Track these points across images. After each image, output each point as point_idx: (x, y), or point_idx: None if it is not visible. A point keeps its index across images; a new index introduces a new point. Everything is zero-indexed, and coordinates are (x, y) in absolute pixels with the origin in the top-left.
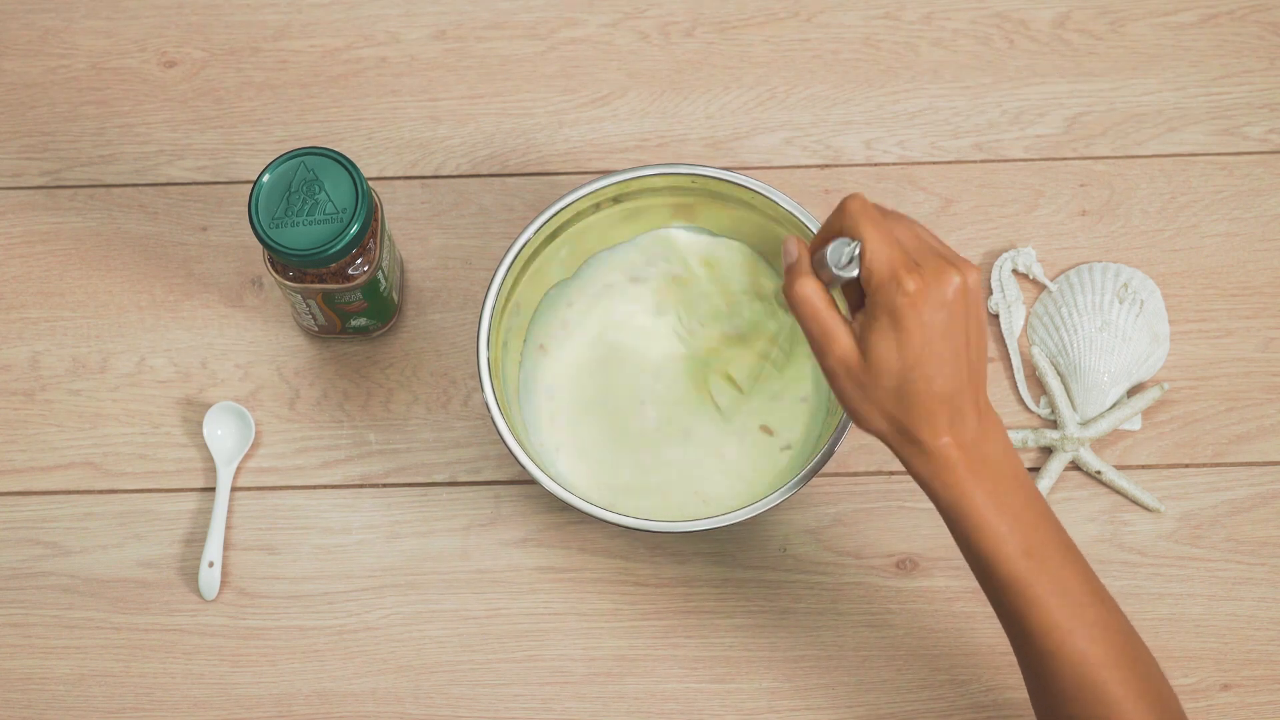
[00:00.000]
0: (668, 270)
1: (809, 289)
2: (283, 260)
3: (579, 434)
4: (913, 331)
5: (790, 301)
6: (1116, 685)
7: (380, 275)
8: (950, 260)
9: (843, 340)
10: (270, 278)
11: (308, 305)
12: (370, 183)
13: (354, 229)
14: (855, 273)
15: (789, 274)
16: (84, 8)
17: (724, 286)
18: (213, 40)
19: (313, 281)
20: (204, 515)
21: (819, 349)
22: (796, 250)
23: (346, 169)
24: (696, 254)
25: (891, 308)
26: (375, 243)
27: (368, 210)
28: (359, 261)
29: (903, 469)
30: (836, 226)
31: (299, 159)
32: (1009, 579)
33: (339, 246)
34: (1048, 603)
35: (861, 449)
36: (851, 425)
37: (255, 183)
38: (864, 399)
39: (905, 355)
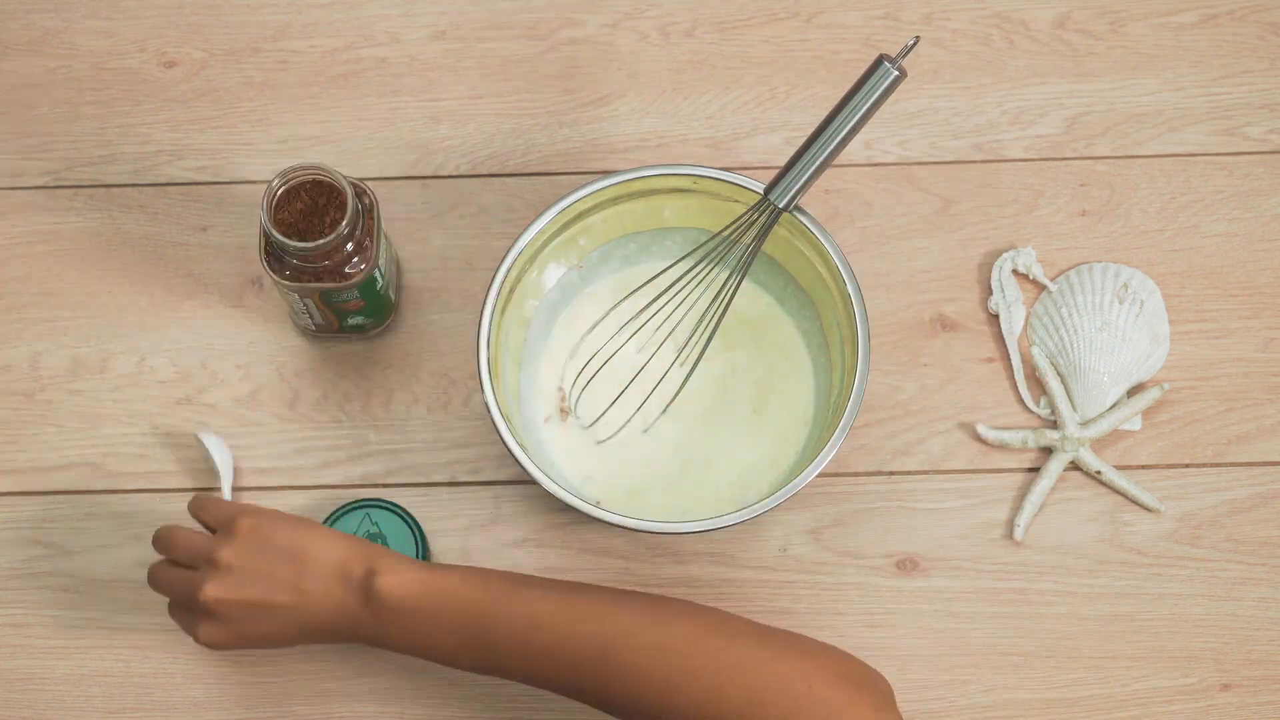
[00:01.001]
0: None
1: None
2: None
3: (579, 434)
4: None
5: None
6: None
7: (377, 273)
8: (217, 526)
9: (199, 631)
10: (268, 277)
11: (305, 304)
12: (370, 183)
13: None
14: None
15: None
16: (84, 8)
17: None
18: (213, 40)
19: (310, 280)
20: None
21: (191, 594)
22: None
23: (407, 523)
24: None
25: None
26: (372, 241)
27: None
28: (356, 260)
29: (903, 469)
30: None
31: (364, 510)
32: (484, 673)
33: None
34: (523, 661)
35: (861, 449)
36: (851, 425)
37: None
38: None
39: (242, 608)
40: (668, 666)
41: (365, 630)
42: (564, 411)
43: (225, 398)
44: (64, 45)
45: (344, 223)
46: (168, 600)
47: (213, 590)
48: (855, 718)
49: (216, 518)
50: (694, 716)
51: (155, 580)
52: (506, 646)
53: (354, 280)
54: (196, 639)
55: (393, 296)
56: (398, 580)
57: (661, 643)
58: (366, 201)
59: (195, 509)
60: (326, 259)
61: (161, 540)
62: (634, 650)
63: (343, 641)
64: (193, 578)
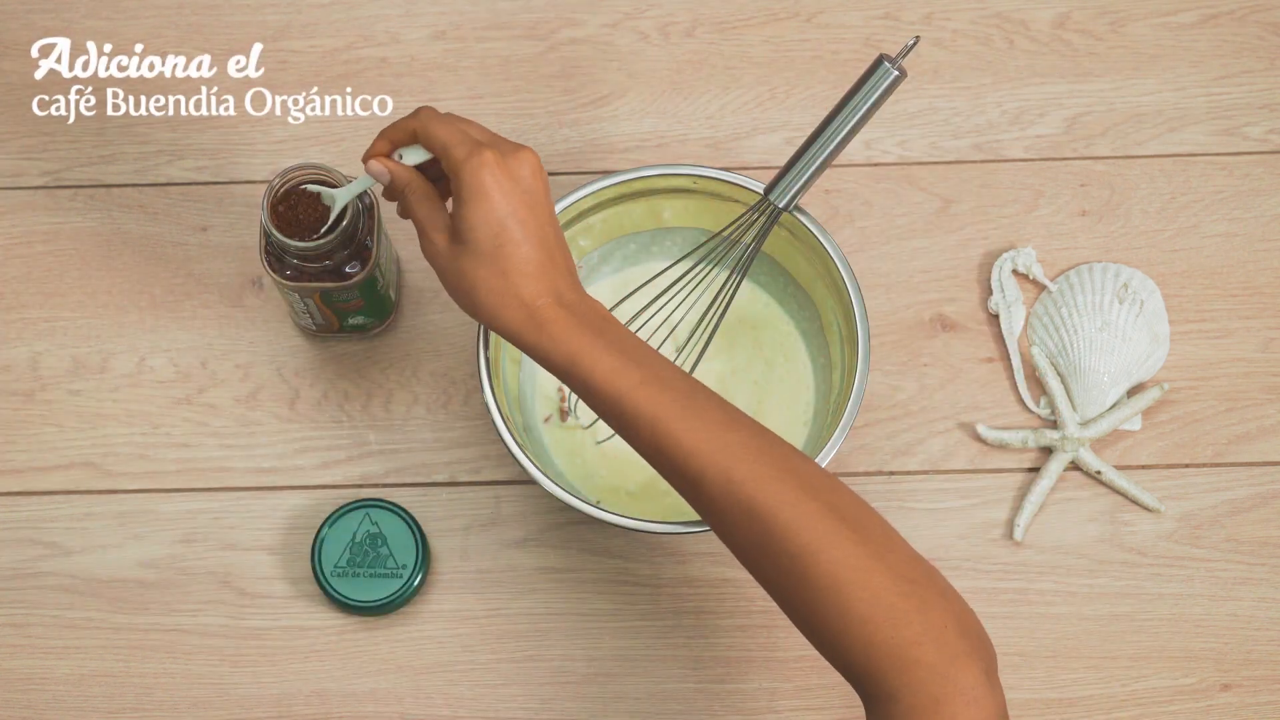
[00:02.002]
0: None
1: (414, 177)
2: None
3: (578, 434)
4: (495, 197)
5: (401, 189)
6: (770, 498)
7: (377, 273)
8: (519, 144)
9: (442, 222)
10: (268, 277)
11: (305, 304)
12: None
13: (416, 581)
14: (429, 157)
15: (391, 174)
16: (84, 8)
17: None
18: (213, 40)
19: (311, 280)
20: (201, 515)
21: (422, 231)
22: (384, 166)
23: (407, 523)
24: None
25: (474, 180)
26: (372, 241)
27: (427, 564)
28: (356, 260)
29: (903, 469)
30: (408, 129)
31: (364, 510)
32: (634, 410)
33: (401, 599)
34: (677, 426)
35: (861, 449)
36: (851, 425)
37: (317, 535)
38: (464, 277)
39: (491, 220)
40: (803, 541)
41: (550, 312)
42: (564, 411)
43: (225, 398)
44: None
45: (344, 222)
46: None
47: (490, 160)
48: (965, 673)
49: (484, 132)
50: (807, 601)
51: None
52: (648, 413)
53: (354, 280)
54: (485, 152)
55: (393, 296)
56: (603, 308)
57: (804, 519)
58: (367, 201)
59: (447, 119)
60: (327, 259)
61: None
62: (776, 508)
63: (518, 326)
64: (476, 142)
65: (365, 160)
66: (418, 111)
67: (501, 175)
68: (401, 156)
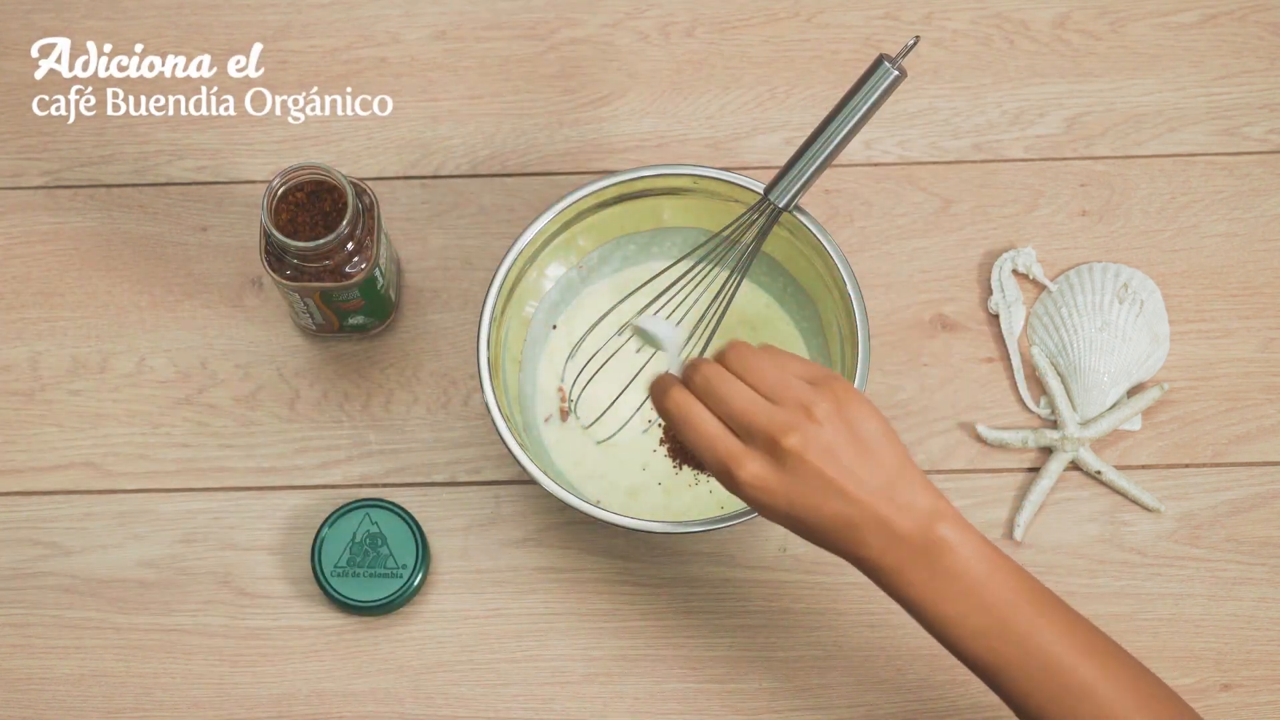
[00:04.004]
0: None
1: (703, 415)
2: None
3: (578, 434)
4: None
5: (682, 426)
6: None
7: (378, 273)
8: (808, 379)
9: (750, 464)
10: (268, 276)
11: (306, 304)
12: (370, 182)
13: (416, 581)
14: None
15: (678, 406)
16: (84, 8)
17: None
18: (213, 40)
19: (311, 280)
20: (201, 515)
21: (729, 474)
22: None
23: (407, 523)
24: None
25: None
26: (372, 240)
27: (427, 564)
28: (356, 259)
29: None
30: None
31: (364, 510)
32: (975, 661)
33: (401, 599)
34: (1015, 676)
35: None
36: None
37: (318, 535)
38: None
39: (775, 501)
40: None
41: (893, 560)
42: (564, 411)
43: (225, 398)
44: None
45: (344, 222)
46: (696, 424)
47: (800, 440)
48: None
49: (807, 369)
50: None
51: (715, 394)
52: (1011, 666)
53: (355, 280)
54: (738, 473)
55: (393, 296)
56: (965, 538)
57: None
58: (367, 201)
59: (774, 355)
60: (327, 259)
61: (736, 368)
62: None
63: (851, 555)
64: (775, 413)
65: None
66: (725, 354)
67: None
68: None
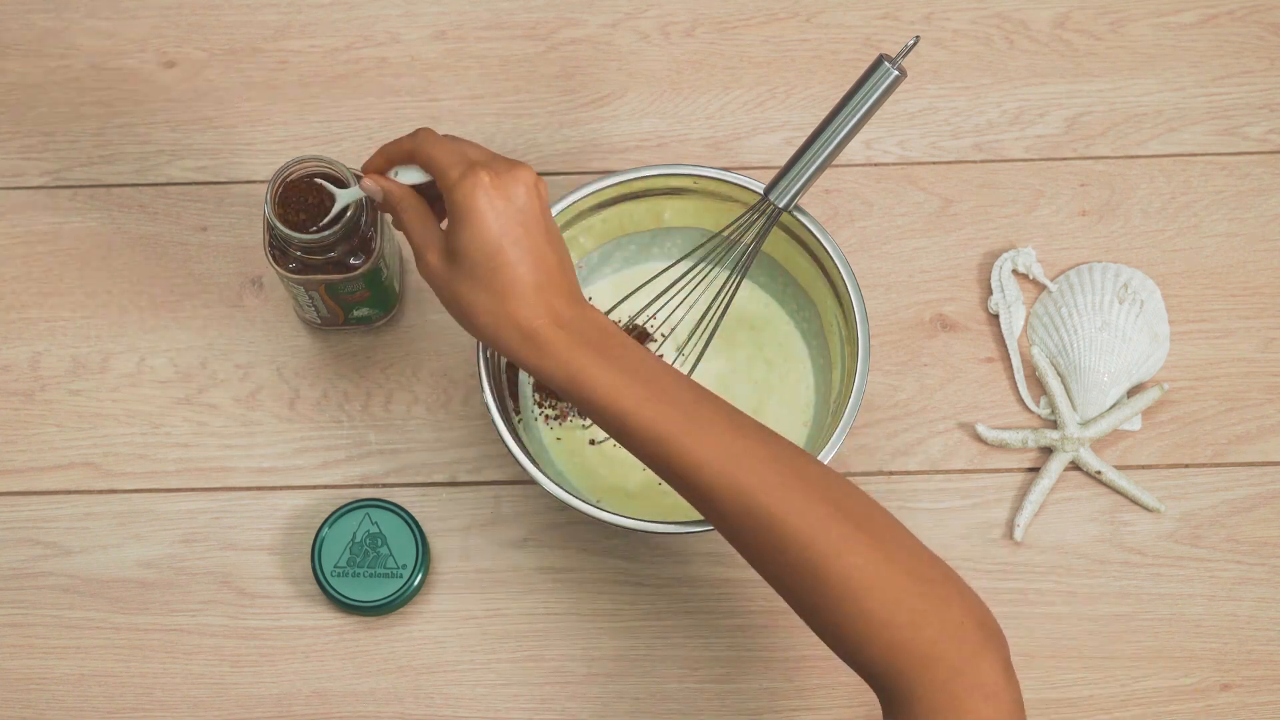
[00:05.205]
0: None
1: (406, 194)
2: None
3: (579, 434)
4: (488, 218)
5: (394, 206)
6: (781, 505)
7: (381, 264)
8: (516, 162)
9: (437, 242)
10: (272, 271)
11: (311, 297)
12: None
13: (416, 581)
14: (427, 178)
15: (385, 192)
16: (84, 8)
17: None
18: (213, 40)
19: (315, 273)
20: (201, 515)
21: (417, 250)
22: (377, 183)
23: (408, 523)
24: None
25: (467, 202)
26: (375, 232)
27: (427, 564)
28: (360, 251)
29: (903, 469)
30: (405, 149)
31: (364, 510)
32: (639, 427)
33: (401, 599)
34: (683, 441)
35: (861, 449)
36: (851, 425)
37: (318, 535)
38: (460, 299)
39: (484, 242)
40: (817, 548)
41: (549, 334)
42: (564, 412)
43: (225, 398)
44: (64, 45)
45: (348, 213)
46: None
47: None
48: (984, 668)
49: (482, 152)
50: (823, 607)
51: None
52: (652, 430)
53: (359, 271)
54: (481, 174)
55: (397, 287)
56: (603, 318)
57: (816, 525)
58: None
59: (443, 140)
60: (331, 251)
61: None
62: (786, 515)
63: (519, 347)
64: (470, 168)
65: (361, 174)
66: (416, 132)
67: (495, 195)
68: (398, 174)
